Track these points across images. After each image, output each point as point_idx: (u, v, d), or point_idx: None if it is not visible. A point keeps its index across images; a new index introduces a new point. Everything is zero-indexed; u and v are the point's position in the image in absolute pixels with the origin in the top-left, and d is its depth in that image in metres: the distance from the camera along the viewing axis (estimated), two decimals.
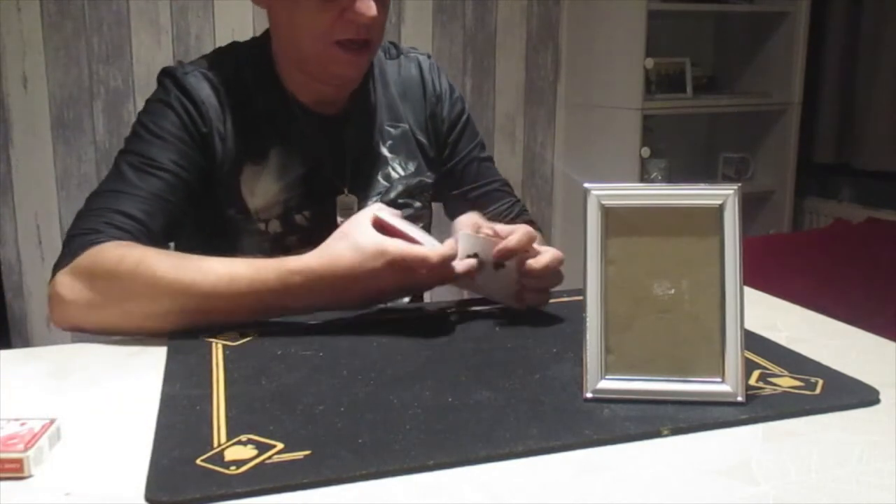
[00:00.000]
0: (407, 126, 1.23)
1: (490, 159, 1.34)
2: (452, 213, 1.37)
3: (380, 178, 1.21)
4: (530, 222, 1.34)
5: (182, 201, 1.07)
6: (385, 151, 1.21)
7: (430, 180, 1.26)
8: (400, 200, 1.23)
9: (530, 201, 3.02)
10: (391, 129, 1.21)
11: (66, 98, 2.46)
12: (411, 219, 1.24)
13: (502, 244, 0.96)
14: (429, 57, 1.29)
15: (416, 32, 2.76)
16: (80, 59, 2.46)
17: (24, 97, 2.43)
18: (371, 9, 1.03)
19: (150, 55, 2.51)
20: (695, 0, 2.89)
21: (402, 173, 1.22)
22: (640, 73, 2.64)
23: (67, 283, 0.94)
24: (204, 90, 1.11)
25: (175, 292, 0.90)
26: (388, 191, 1.22)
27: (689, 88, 2.86)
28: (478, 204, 1.30)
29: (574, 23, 2.94)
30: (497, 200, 1.32)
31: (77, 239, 0.98)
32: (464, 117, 1.29)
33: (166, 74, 1.13)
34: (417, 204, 1.25)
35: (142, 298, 0.91)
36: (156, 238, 1.02)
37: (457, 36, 2.84)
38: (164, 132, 1.08)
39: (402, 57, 1.26)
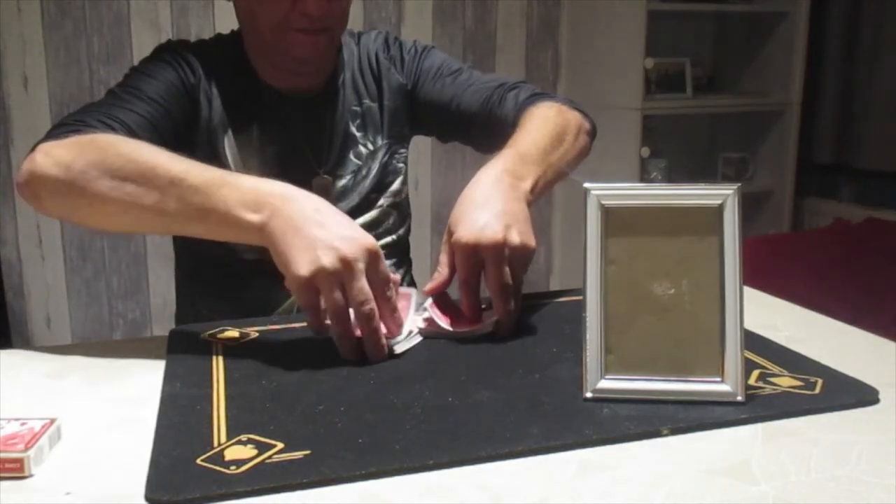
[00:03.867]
0: (369, 102, 1.27)
1: (468, 70, 1.28)
2: (470, 137, 1.30)
3: (352, 156, 1.25)
4: (530, 100, 1.19)
5: (166, 132, 1.09)
6: (354, 130, 1.26)
7: (400, 143, 1.30)
8: (380, 180, 1.26)
9: None
10: (357, 109, 1.26)
11: (66, 98, 2.46)
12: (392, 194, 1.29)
13: (426, 288, 0.94)
14: (381, 32, 1.32)
15: (416, 32, 2.76)
16: (80, 59, 2.46)
17: (24, 97, 2.44)
18: (319, 8, 1.08)
19: None
20: (695, 0, 2.89)
21: (372, 148, 1.26)
22: (639, 73, 2.64)
23: (54, 152, 0.93)
24: (195, 58, 1.17)
25: (147, 168, 0.88)
26: (366, 173, 1.25)
27: (689, 88, 2.86)
28: (465, 114, 1.24)
29: (574, 23, 2.94)
30: (479, 101, 1.22)
31: (65, 126, 0.99)
32: (423, 56, 1.30)
33: (159, 45, 1.21)
34: (390, 178, 1.29)
35: (118, 173, 0.89)
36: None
37: (457, 36, 2.84)
38: (155, 74, 1.13)
39: (362, 37, 1.31)
